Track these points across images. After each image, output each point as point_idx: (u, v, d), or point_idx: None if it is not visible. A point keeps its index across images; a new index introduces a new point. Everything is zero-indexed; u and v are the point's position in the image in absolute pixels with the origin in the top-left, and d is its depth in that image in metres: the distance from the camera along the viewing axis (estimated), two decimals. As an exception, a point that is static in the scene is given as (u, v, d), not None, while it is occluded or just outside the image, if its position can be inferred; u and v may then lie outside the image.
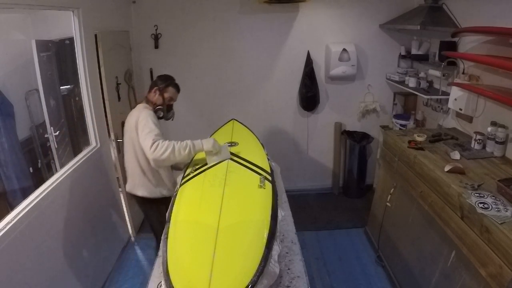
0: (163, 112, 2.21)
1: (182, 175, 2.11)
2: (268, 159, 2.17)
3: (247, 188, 1.78)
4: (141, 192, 2.27)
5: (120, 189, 3.15)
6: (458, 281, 1.85)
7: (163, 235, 1.54)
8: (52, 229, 2.09)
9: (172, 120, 2.36)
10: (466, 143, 2.47)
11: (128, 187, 2.34)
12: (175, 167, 2.45)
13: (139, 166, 2.20)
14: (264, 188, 1.76)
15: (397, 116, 3.65)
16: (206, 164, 2.04)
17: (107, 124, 2.92)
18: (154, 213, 2.35)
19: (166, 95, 2.21)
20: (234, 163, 2.01)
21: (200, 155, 2.22)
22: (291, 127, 3.99)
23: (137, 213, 3.42)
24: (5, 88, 2.67)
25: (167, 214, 1.72)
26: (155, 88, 2.21)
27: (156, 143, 1.94)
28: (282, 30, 3.64)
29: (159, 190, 2.26)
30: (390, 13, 3.54)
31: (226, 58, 3.70)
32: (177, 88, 2.27)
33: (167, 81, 2.23)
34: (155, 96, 2.21)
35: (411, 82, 3.26)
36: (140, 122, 2.04)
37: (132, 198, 2.43)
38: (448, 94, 2.77)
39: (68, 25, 2.51)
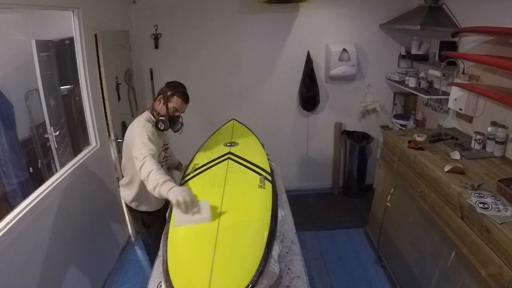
0: (164, 124, 2.02)
1: (182, 175, 2.11)
2: (268, 159, 2.17)
3: (247, 188, 1.78)
4: (123, 194, 2.25)
5: (120, 189, 3.15)
6: (458, 281, 1.85)
7: (163, 234, 1.54)
8: (52, 229, 2.08)
9: (180, 133, 2.16)
10: (466, 143, 2.47)
11: (120, 185, 2.31)
12: (177, 168, 2.50)
13: (130, 173, 2.11)
14: (264, 188, 1.76)
15: (397, 116, 3.65)
16: (206, 164, 2.04)
17: (107, 124, 2.92)
18: (135, 222, 2.36)
19: (170, 105, 2.02)
20: (234, 163, 2.01)
21: (201, 156, 2.22)
22: (291, 127, 3.99)
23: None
24: (5, 88, 2.66)
25: (167, 214, 1.72)
26: (161, 96, 2.04)
27: (144, 159, 1.75)
28: (282, 30, 3.64)
29: (138, 203, 2.18)
30: (390, 13, 3.54)
31: (226, 58, 3.70)
32: (184, 98, 2.04)
33: (173, 89, 2.02)
34: (159, 105, 2.03)
35: (411, 82, 3.26)
36: (137, 134, 1.91)
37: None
38: (448, 94, 2.77)
39: (68, 25, 2.51)
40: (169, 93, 2.03)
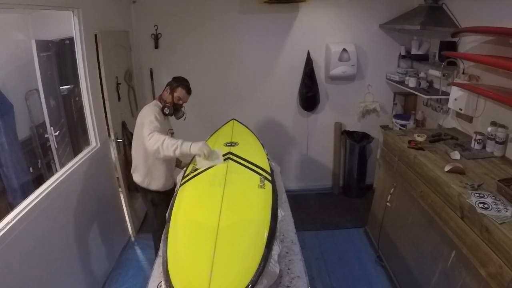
0: (169, 109, 2.40)
1: (182, 174, 2.12)
2: (268, 159, 2.17)
3: (247, 188, 1.79)
4: (135, 177, 2.51)
5: (120, 189, 3.15)
6: (458, 281, 1.85)
7: (163, 234, 1.54)
8: (52, 229, 2.09)
9: (184, 119, 2.53)
10: (466, 143, 2.47)
11: (132, 172, 2.57)
12: (177, 165, 2.68)
13: (142, 154, 2.40)
14: (264, 188, 1.76)
15: (397, 116, 3.65)
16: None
17: (107, 124, 2.92)
18: (145, 202, 2.61)
19: (175, 94, 2.40)
20: (234, 163, 2.02)
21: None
22: (291, 127, 3.99)
23: (137, 213, 3.43)
24: (5, 88, 2.66)
25: (167, 214, 1.72)
26: (168, 86, 2.43)
27: (152, 134, 2.13)
28: (282, 30, 3.64)
29: (149, 181, 2.46)
30: (390, 13, 3.54)
31: (226, 58, 3.70)
32: (187, 90, 2.43)
33: (179, 82, 2.42)
34: (166, 94, 2.42)
35: (411, 82, 3.26)
36: (145, 114, 2.28)
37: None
38: (448, 94, 2.77)
39: (68, 25, 2.51)
40: (175, 84, 2.42)
